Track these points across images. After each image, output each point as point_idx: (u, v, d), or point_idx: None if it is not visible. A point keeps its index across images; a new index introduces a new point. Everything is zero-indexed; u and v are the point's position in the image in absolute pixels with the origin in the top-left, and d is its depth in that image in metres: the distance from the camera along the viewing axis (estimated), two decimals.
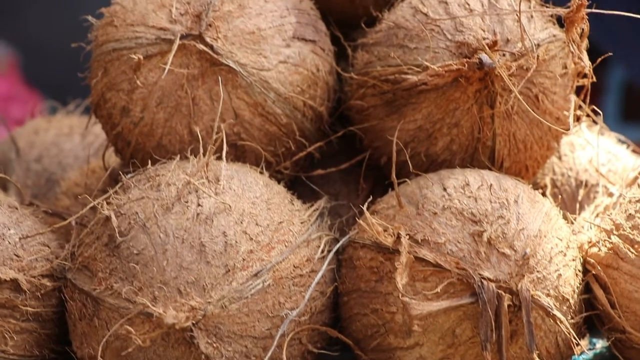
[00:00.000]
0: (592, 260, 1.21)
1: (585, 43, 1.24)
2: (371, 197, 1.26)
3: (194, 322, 1.08)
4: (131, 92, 1.26)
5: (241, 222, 1.13)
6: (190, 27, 1.24)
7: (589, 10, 1.20)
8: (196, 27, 1.24)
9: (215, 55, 1.23)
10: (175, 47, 1.22)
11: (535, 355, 1.09)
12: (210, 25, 1.24)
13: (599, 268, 1.20)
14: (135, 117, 1.27)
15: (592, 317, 1.21)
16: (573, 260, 1.18)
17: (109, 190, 1.20)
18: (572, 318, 1.17)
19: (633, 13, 1.21)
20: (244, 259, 1.12)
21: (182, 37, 1.23)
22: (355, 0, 1.40)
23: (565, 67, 1.26)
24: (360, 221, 1.20)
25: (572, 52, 1.23)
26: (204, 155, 1.18)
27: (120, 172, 1.23)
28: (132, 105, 1.26)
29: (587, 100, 1.32)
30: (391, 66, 1.26)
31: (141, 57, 1.22)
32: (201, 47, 1.23)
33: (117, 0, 1.31)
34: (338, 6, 1.42)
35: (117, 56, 1.27)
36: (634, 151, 1.52)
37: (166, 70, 1.22)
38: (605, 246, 1.20)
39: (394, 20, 1.30)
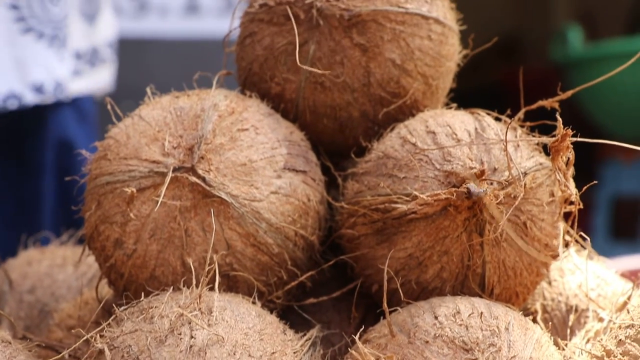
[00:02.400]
0: None
1: (571, 171, 1.26)
2: (363, 325, 1.27)
3: None
4: (124, 224, 1.27)
5: (234, 354, 1.13)
6: (183, 160, 1.26)
7: (575, 139, 1.22)
8: (188, 160, 1.26)
9: (207, 187, 1.24)
10: (168, 179, 1.24)
11: None
12: (202, 158, 1.26)
13: None
14: (128, 249, 1.28)
15: None
16: None
17: (102, 322, 1.20)
18: None
19: None
20: None
21: (174, 170, 1.25)
22: (345, 131, 1.43)
23: (553, 195, 1.28)
24: (353, 351, 1.20)
25: (559, 180, 1.25)
26: (197, 286, 1.18)
27: (114, 304, 1.24)
28: (125, 238, 1.27)
29: (575, 225, 1.33)
30: (381, 195, 1.28)
31: (134, 190, 1.24)
32: (193, 179, 1.25)
33: (110, 135, 1.33)
34: (328, 136, 1.44)
35: (110, 189, 1.28)
36: (622, 275, 1.53)
37: (159, 203, 1.24)
38: None
39: (383, 150, 1.32)
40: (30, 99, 2.18)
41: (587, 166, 1.31)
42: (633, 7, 6.08)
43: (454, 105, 1.42)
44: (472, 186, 1.20)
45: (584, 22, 5.19)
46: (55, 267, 1.72)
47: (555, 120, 1.25)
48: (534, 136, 1.30)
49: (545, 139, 1.26)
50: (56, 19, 2.23)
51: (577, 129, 1.23)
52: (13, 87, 2.14)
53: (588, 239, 1.35)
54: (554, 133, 1.25)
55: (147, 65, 4.37)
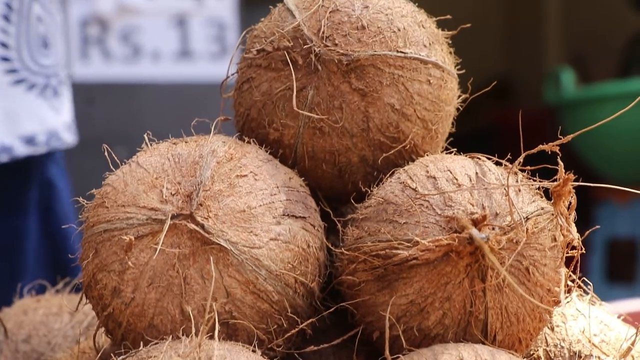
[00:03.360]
0: None
1: (573, 215, 1.26)
2: None
3: None
4: (122, 272, 1.26)
5: None
6: (181, 207, 1.25)
7: (576, 183, 1.22)
8: (187, 207, 1.25)
9: (206, 234, 1.23)
10: (166, 227, 1.22)
11: None
12: (201, 205, 1.25)
13: None
14: (126, 298, 1.26)
15: None
16: None
17: None
18: None
19: None
20: None
21: (173, 217, 1.24)
22: (345, 176, 1.42)
23: (555, 239, 1.27)
24: None
25: (561, 225, 1.24)
26: (196, 335, 1.17)
27: (112, 354, 1.22)
28: (124, 286, 1.26)
29: (578, 270, 1.32)
30: (381, 241, 1.27)
31: (132, 237, 1.23)
32: (192, 226, 1.23)
33: (107, 182, 1.32)
34: (327, 182, 1.43)
35: (108, 237, 1.27)
36: (625, 320, 1.52)
37: (157, 251, 1.22)
38: None
39: (383, 196, 1.31)
40: (22, 151, 2.18)
41: (582, 208, 1.31)
42: (624, 50, 6.12)
43: (454, 150, 1.41)
44: (474, 232, 1.19)
45: (576, 65, 5.23)
46: (51, 316, 1.70)
47: (552, 163, 1.24)
48: (534, 181, 1.30)
49: (547, 184, 1.26)
50: (47, 69, 2.24)
51: (572, 172, 1.23)
52: (3, 139, 2.14)
53: (590, 284, 1.34)
54: (555, 177, 1.25)
55: (140, 110, 4.38)
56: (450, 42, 1.46)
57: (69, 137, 2.34)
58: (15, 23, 2.16)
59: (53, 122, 2.26)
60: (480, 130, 5.29)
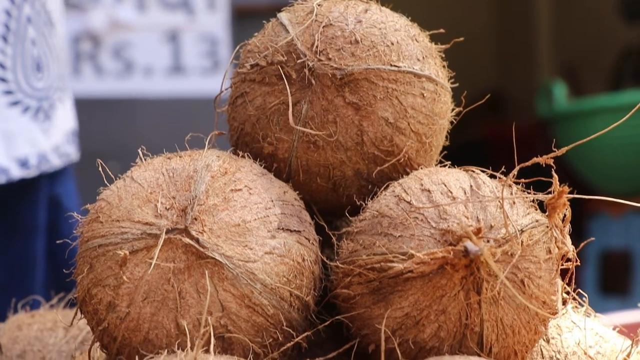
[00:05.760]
0: None
1: (567, 228, 1.26)
2: None
3: None
4: (117, 287, 1.25)
5: None
6: (176, 221, 1.25)
7: (571, 195, 1.22)
8: (182, 221, 1.25)
9: (201, 249, 1.23)
10: (161, 241, 1.22)
11: None
12: (195, 219, 1.25)
13: None
14: (121, 312, 1.26)
15: None
16: None
17: None
18: None
19: None
20: None
21: (167, 232, 1.24)
22: (339, 190, 1.42)
23: (550, 252, 1.28)
24: None
25: (556, 237, 1.24)
26: (192, 349, 1.17)
27: None
28: (118, 301, 1.26)
29: (573, 282, 1.33)
30: (376, 254, 1.27)
31: (127, 252, 1.23)
32: (187, 240, 1.23)
33: (102, 197, 1.32)
34: (322, 195, 1.44)
35: (102, 252, 1.27)
36: (620, 332, 1.52)
37: (152, 265, 1.22)
38: None
39: (378, 209, 1.32)
40: (17, 173, 2.19)
41: (575, 221, 1.32)
42: (615, 63, 6.14)
43: (448, 163, 1.42)
44: (469, 244, 1.19)
45: (567, 78, 5.24)
46: (46, 331, 1.69)
47: (545, 176, 1.25)
48: (529, 193, 1.30)
49: (541, 196, 1.26)
50: (40, 92, 2.24)
51: (566, 184, 1.23)
52: (2, 161, 2.15)
53: (586, 295, 1.34)
54: (549, 190, 1.25)
55: (133, 125, 4.39)
56: (443, 56, 1.47)
57: (56, 160, 2.34)
58: (12, 44, 2.16)
59: (43, 145, 2.26)
60: (473, 144, 5.30)
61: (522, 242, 1.23)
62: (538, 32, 7.34)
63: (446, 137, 1.49)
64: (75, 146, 2.46)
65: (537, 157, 1.27)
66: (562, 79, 4.84)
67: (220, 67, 4.48)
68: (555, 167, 1.25)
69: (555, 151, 1.25)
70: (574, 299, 1.36)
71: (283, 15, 1.44)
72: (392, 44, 1.39)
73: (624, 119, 1.29)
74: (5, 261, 2.32)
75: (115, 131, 4.31)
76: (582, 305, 1.44)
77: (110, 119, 4.40)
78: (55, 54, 2.33)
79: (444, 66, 1.45)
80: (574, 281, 1.33)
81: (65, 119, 2.41)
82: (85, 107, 4.21)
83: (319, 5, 1.41)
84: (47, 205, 2.39)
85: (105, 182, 1.35)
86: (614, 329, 1.53)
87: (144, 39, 4.46)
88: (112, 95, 4.41)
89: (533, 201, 1.30)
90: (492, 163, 1.35)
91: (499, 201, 1.25)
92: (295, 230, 1.32)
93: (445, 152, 1.48)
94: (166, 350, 1.22)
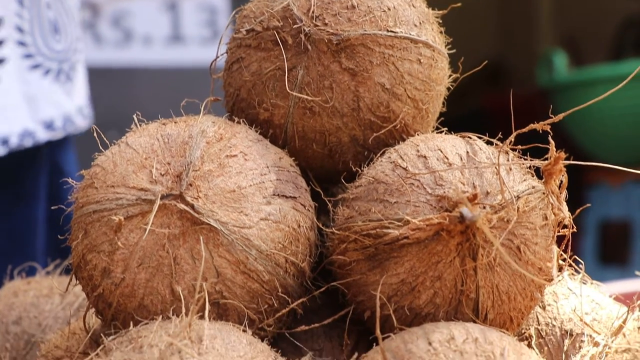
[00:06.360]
0: None
1: (564, 194, 1.25)
2: (355, 352, 1.25)
3: None
4: (112, 253, 1.25)
5: None
6: (171, 187, 1.24)
7: (567, 162, 1.21)
8: (177, 187, 1.24)
9: (196, 215, 1.23)
10: (156, 207, 1.22)
11: None
12: (190, 185, 1.24)
13: None
14: (116, 278, 1.26)
15: None
16: None
17: (90, 353, 1.18)
18: None
19: None
20: None
21: (162, 197, 1.23)
22: (335, 156, 1.41)
23: (546, 218, 1.27)
24: None
25: (552, 204, 1.24)
26: (187, 315, 1.17)
27: (102, 334, 1.22)
28: (113, 267, 1.25)
29: (569, 249, 1.32)
30: (372, 221, 1.27)
31: (122, 218, 1.23)
32: (182, 206, 1.23)
33: (97, 162, 1.32)
34: (318, 162, 1.43)
35: (97, 218, 1.26)
36: (616, 299, 1.52)
37: (147, 231, 1.22)
38: None
39: (374, 175, 1.31)
40: (43, 135, 2.21)
41: (574, 191, 1.31)
42: (616, 33, 6.12)
43: (444, 129, 1.41)
44: (465, 210, 1.18)
45: (568, 48, 5.22)
46: (42, 298, 1.70)
47: (543, 144, 1.24)
48: (525, 159, 1.29)
49: (538, 162, 1.25)
50: (59, 54, 2.26)
51: (563, 151, 1.23)
52: (27, 124, 2.17)
53: (582, 262, 1.34)
54: (546, 156, 1.24)
55: (132, 94, 4.37)
56: (443, 26, 1.46)
57: (81, 121, 2.37)
58: (28, 8, 2.16)
59: (67, 106, 2.29)
60: (472, 114, 5.28)
61: (518, 208, 1.23)
62: (539, 2, 7.31)
63: (445, 107, 1.48)
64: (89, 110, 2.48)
65: (535, 124, 1.26)
66: (562, 49, 4.82)
67: (219, 36, 4.46)
68: (554, 139, 1.24)
69: (552, 117, 1.24)
70: (570, 266, 1.36)
71: None
72: (389, 9, 1.38)
73: (622, 84, 1.28)
74: (7, 228, 2.33)
75: (114, 100, 4.30)
76: (579, 273, 1.43)
77: (110, 88, 4.39)
78: (71, 15, 2.34)
79: (441, 32, 1.44)
80: (571, 249, 1.33)
81: (84, 81, 2.43)
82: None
83: None
84: (49, 174, 2.40)
85: (104, 151, 1.34)
86: (611, 297, 1.53)
87: (143, 8, 4.43)
88: (111, 64, 4.40)
89: (530, 168, 1.30)
90: (492, 134, 1.34)
91: (495, 167, 1.24)
92: (290, 197, 1.31)
93: (445, 122, 1.47)
94: (161, 316, 1.22)
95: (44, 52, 2.21)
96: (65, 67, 2.29)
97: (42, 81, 2.21)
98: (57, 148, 2.42)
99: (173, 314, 1.21)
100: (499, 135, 1.32)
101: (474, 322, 1.25)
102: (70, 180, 1.35)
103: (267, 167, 1.31)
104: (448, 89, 1.47)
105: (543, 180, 1.24)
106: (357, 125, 1.38)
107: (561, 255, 1.32)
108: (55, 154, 2.42)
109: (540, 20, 7.22)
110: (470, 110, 5.45)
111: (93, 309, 1.34)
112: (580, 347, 1.40)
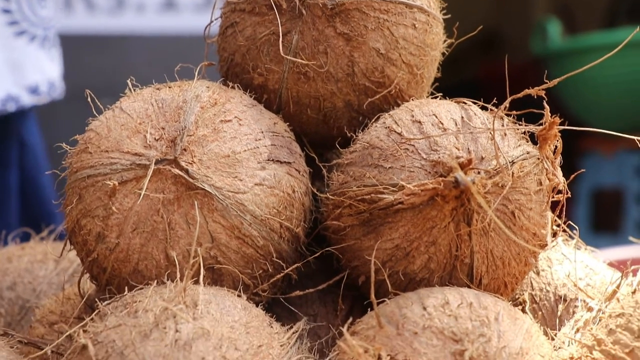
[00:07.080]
0: None
1: (559, 159, 1.25)
2: (350, 317, 1.25)
3: None
4: (106, 218, 1.25)
5: (220, 347, 1.12)
6: (165, 152, 1.24)
7: (562, 127, 1.21)
8: (171, 152, 1.24)
9: (190, 180, 1.23)
10: (150, 171, 1.22)
11: None
12: (185, 150, 1.24)
13: None
14: (110, 243, 1.26)
15: None
16: None
17: (85, 317, 1.18)
18: None
19: None
20: None
21: (157, 162, 1.23)
22: (329, 121, 1.41)
23: (540, 184, 1.27)
24: (340, 343, 1.18)
25: (547, 169, 1.24)
26: (181, 280, 1.17)
27: (97, 299, 1.22)
28: (108, 231, 1.25)
29: (563, 215, 1.32)
30: (367, 186, 1.27)
31: (116, 182, 1.22)
32: (176, 171, 1.23)
33: (91, 127, 1.31)
34: (312, 127, 1.43)
35: (91, 182, 1.26)
36: (609, 265, 1.52)
37: (142, 196, 1.22)
38: None
39: (369, 141, 1.31)
40: (27, 100, 2.24)
41: (567, 159, 1.31)
42: (609, 1, 6.09)
43: (439, 95, 1.41)
44: (460, 175, 1.18)
45: (562, 16, 5.20)
46: (36, 263, 1.70)
47: (538, 110, 1.24)
48: (520, 125, 1.29)
49: (532, 128, 1.25)
50: (45, 20, 2.28)
51: (556, 115, 1.22)
52: (10, 89, 2.20)
53: (576, 228, 1.34)
54: (541, 122, 1.24)
55: (126, 61, 4.35)
56: None
57: (60, 88, 2.39)
58: None
59: (51, 72, 2.33)
60: (467, 82, 5.27)
61: (512, 173, 1.23)
62: None
63: (441, 74, 1.48)
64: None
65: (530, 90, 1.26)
66: (556, 17, 4.80)
67: (213, 3, 4.44)
68: (548, 104, 1.24)
69: (547, 82, 1.23)
70: (564, 231, 1.36)
71: None
72: None
73: (615, 51, 1.28)
74: None
75: (107, 68, 4.28)
76: (573, 239, 1.43)
77: (103, 56, 4.36)
78: None
79: None
80: (564, 215, 1.33)
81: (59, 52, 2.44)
82: (77, 43, 4.17)
83: None
84: (19, 143, 2.42)
85: (98, 116, 1.34)
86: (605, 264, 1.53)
87: None
88: (104, 31, 4.37)
89: (524, 133, 1.30)
90: (487, 102, 1.34)
91: (490, 132, 1.24)
92: (285, 162, 1.31)
93: (440, 90, 1.47)
94: (155, 281, 1.22)
95: (30, 17, 2.22)
96: (50, 33, 2.30)
97: (27, 47, 2.24)
98: (21, 120, 2.43)
99: (168, 279, 1.22)
100: (494, 101, 1.32)
101: (469, 287, 1.26)
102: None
103: (262, 132, 1.31)
104: (443, 54, 1.47)
105: (538, 146, 1.24)
106: (352, 90, 1.38)
107: (555, 221, 1.33)
108: (20, 126, 2.43)
109: None
110: (465, 78, 5.43)
111: (87, 274, 1.34)
112: (574, 312, 1.40)
